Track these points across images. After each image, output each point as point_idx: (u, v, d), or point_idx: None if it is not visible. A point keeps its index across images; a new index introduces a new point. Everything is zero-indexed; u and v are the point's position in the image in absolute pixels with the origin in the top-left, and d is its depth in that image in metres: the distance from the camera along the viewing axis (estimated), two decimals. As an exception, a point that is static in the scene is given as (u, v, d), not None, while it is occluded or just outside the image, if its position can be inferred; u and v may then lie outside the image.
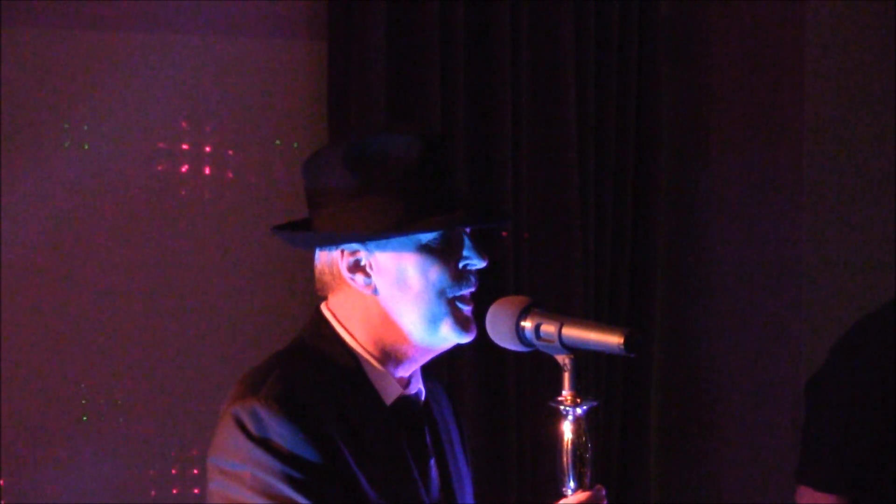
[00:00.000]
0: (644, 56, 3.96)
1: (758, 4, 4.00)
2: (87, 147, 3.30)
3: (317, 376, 2.03)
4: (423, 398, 2.13)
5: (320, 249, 2.08)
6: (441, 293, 2.03)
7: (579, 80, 3.82)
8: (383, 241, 2.02)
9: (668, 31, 4.06)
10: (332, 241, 2.04)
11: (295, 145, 3.50)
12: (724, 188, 4.11)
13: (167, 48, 3.38)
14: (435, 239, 2.02)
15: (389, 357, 2.07)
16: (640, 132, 3.98)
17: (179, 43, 3.40)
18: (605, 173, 3.91)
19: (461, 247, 2.04)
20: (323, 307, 2.09)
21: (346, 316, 2.07)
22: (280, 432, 1.94)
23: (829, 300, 3.98)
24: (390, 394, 2.07)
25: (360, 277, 2.04)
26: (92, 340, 3.35)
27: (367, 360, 2.06)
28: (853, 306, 3.66)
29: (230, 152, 3.47)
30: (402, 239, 2.01)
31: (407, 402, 2.09)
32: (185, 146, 3.42)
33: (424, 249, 2.02)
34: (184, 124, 3.41)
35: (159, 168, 3.39)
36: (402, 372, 2.09)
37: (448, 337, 2.05)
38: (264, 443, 1.94)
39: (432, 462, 2.11)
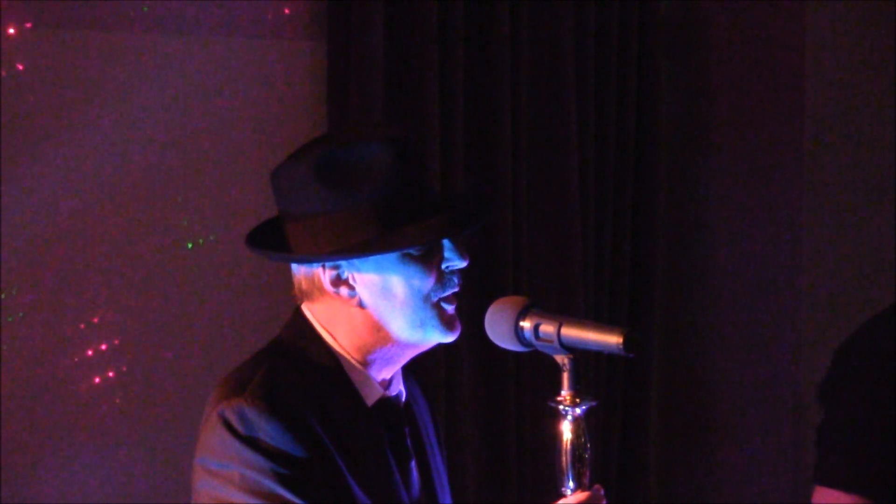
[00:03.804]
0: (644, 56, 3.96)
1: (758, 4, 4.00)
2: (87, 147, 3.30)
3: (300, 376, 2.03)
4: (403, 399, 2.14)
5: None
6: (426, 298, 2.03)
7: (579, 80, 3.82)
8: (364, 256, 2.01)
9: (667, 30, 4.06)
10: (312, 260, 2.04)
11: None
12: (724, 188, 4.11)
13: (166, 48, 3.38)
14: (415, 247, 2.02)
15: (372, 360, 2.07)
16: (640, 132, 3.98)
17: (179, 43, 3.40)
18: (606, 173, 3.91)
19: (442, 249, 2.04)
20: (304, 308, 2.09)
21: (328, 320, 2.07)
22: (268, 431, 1.94)
23: (828, 300, 3.98)
24: (371, 395, 2.07)
25: (344, 290, 2.04)
26: (92, 341, 3.35)
27: (348, 362, 2.06)
28: (853, 306, 3.66)
29: (230, 152, 3.47)
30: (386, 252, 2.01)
31: (388, 403, 2.09)
32: (184, 146, 3.42)
33: (406, 258, 2.02)
34: (183, 124, 3.41)
35: (158, 168, 3.39)
36: (384, 374, 2.10)
37: (434, 338, 2.06)
38: (252, 442, 1.94)
39: (413, 463, 2.12)
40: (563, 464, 2.00)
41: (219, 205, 3.47)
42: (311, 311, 2.08)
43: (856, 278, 3.99)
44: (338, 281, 2.04)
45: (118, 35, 3.34)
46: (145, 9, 3.33)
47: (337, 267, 2.03)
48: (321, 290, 2.05)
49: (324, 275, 2.04)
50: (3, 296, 3.24)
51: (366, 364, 2.06)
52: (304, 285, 2.07)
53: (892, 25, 3.97)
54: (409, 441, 2.12)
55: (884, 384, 2.93)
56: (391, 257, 2.01)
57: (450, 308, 2.06)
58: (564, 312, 2.04)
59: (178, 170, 3.42)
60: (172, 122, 3.40)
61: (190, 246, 3.43)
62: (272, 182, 2.07)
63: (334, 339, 2.06)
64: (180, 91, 3.40)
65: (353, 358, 2.06)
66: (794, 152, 3.96)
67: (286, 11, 3.52)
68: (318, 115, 3.52)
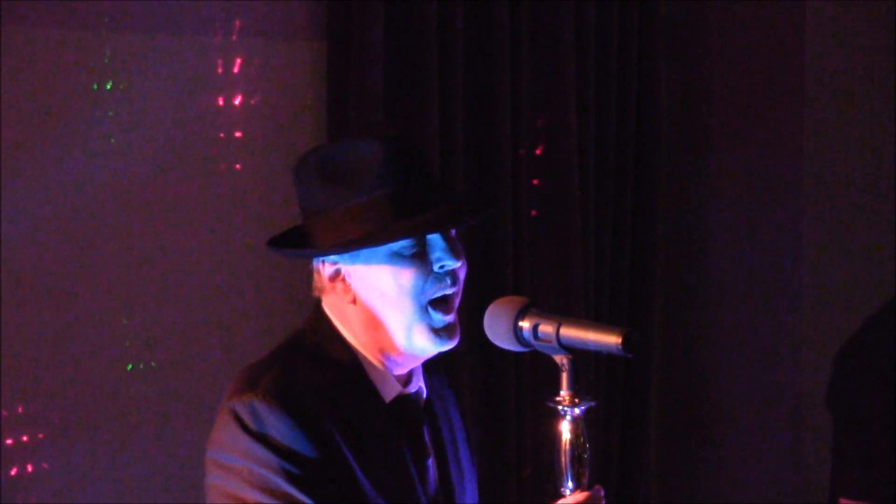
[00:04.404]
0: (644, 56, 3.96)
1: (758, 4, 4.00)
2: (87, 148, 3.30)
3: (315, 373, 2.04)
4: (424, 396, 2.14)
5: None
6: (416, 299, 2.03)
7: (579, 80, 3.82)
8: (355, 252, 2.03)
9: (667, 30, 4.06)
10: (309, 255, 2.07)
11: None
12: (724, 188, 4.11)
13: (166, 48, 3.38)
14: (405, 245, 2.02)
15: (386, 356, 2.08)
16: (640, 132, 3.98)
17: (179, 43, 3.39)
18: (606, 173, 3.91)
19: (433, 248, 2.04)
20: (324, 304, 2.11)
21: (341, 316, 2.09)
22: (278, 427, 1.95)
23: (828, 299, 3.98)
24: (389, 392, 2.08)
25: (340, 286, 2.06)
26: (92, 340, 3.35)
27: (365, 358, 2.07)
28: (853, 306, 3.66)
29: (229, 152, 3.47)
30: (373, 248, 2.02)
31: (406, 400, 2.09)
32: (184, 146, 3.42)
33: (396, 257, 2.02)
34: (183, 124, 3.41)
35: (158, 168, 3.39)
36: (401, 370, 2.10)
37: (425, 346, 2.05)
38: (262, 438, 1.96)
39: (430, 461, 2.12)
40: (563, 464, 2.00)
41: (219, 204, 3.47)
42: (327, 306, 2.10)
43: (856, 278, 3.99)
44: (335, 276, 2.06)
45: (117, 35, 3.33)
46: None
47: (335, 263, 2.06)
48: (324, 285, 2.08)
49: (323, 270, 2.07)
50: (2, 295, 3.24)
51: (381, 360, 2.08)
52: (315, 280, 2.11)
53: (892, 25, 3.97)
54: (427, 438, 2.12)
55: (888, 385, 2.91)
56: (382, 254, 2.02)
57: (446, 318, 2.05)
58: (564, 312, 2.04)
59: (177, 169, 3.41)
60: (171, 122, 3.39)
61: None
62: (293, 174, 2.11)
63: (352, 334, 2.08)
64: (180, 91, 3.40)
65: (369, 354, 2.07)
66: (794, 152, 3.95)
67: (286, 11, 3.51)
68: (318, 115, 3.52)
